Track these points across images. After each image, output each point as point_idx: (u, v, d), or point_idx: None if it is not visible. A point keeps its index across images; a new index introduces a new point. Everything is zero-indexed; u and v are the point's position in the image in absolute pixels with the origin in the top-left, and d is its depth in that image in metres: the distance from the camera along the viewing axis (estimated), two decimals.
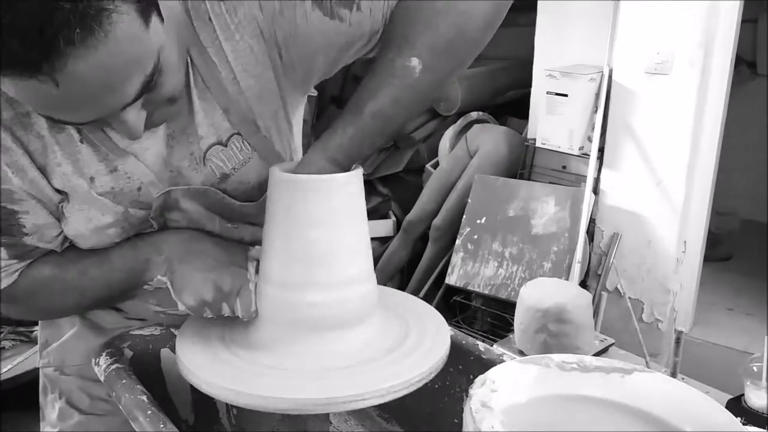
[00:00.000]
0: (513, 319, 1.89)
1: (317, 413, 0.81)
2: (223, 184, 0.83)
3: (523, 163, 2.70)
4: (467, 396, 0.62)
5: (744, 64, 3.42)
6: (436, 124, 3.43)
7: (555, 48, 2.56)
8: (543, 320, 1.74)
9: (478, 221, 2.62)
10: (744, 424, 1.40)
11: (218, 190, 0.83)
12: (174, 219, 0.84)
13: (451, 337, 0.81)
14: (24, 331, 2.47)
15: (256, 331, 0.77)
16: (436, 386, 0.92)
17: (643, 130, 2.37)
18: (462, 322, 2.69)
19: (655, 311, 2.47)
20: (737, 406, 1.66)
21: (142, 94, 0.64)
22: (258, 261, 0.80)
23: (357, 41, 0.81)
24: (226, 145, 0.81)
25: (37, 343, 1.04)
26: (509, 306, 2.35)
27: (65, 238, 0.81)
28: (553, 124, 2.50)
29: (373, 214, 3.16)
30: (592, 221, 2.49)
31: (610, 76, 2.38)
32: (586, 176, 2.41)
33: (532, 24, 2.62)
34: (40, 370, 1.02)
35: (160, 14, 0.64)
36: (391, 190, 3.28)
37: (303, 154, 0.77)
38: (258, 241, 0.81)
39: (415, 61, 0.73)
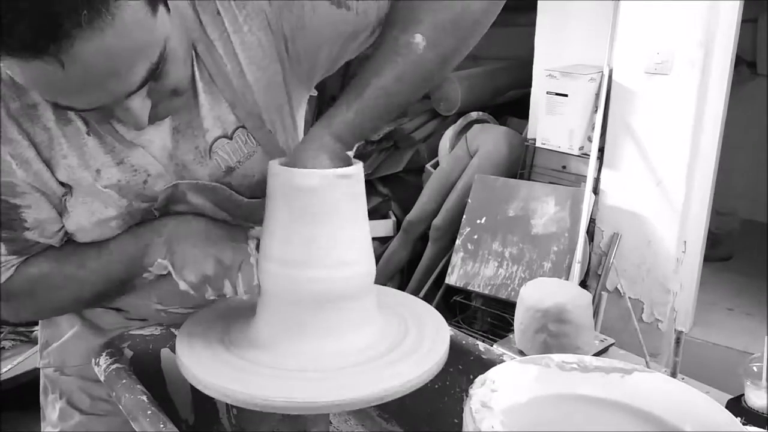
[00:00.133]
0: (513, 319, 1.89)
1: (317, 413, 0.81)
2: (228, 177, 0.83)
3: (523, 163, 2.70)
4: (467, 396, 0.62)
5: (744, 64, 3.42)
6: (436, 124, 3.43)
7: (555, 48, 2.56)
8: (543, 320, 1.74)
9: (478, 221, 2.62)
10: (744, 424, 1.40)
11: (224, 184, 0.83)
12: (180, 211, 0.84)
13: (451, 337, 0.80)
14: (24, 331, 2.47)
15: (256, 331, 0.77)
16: (436, 386, 0.92)
17: (643, 130, 2.37)
18: (462, 322, 2.69)
19: (655, 311, 2.47)
20: (737, 406, 1.66)
21: (147, 82, 0.64)
22: (258, 239, 0.80)
23: (362, 31, 0.81)
24: (231, 138, 0.81)
25: (37, 343, 1.04)
26: (509, 306, 2.35)
27: (65, 234, 0.81)
28: (553, 124, 2.50)
29: (373, 214, 3.16)
30: (592, 221, 2.49)
31: (610, 76, 2.38)
32: (586, 176, 2.41)
33: (532, 24, 2.62)
34: (41, 371, 1.02)
35: (167, 5, 0.64)
36: (391, 190, 3.28)
37: None
38: None
39: (419, 38, 0.74)
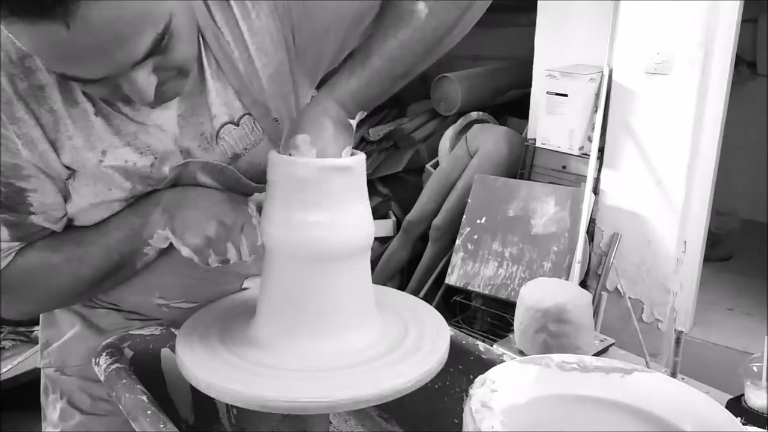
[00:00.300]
0: (513, 319, 1.89)
1: (317, 413, 0.81)
2: (234, 164, 0.83)
3: (523, 163, 2.70)
4: (467, 396, 0.62)
5: (744, 64, 3.42)
6: (436, 124, 3.44)
7: (555, 48, 2.56)
8: (543, 320, 1.74)
9: (478, 221, 2.62)
10: (744, 424, 1.40)
11: None
12: None
13: (451, 337, 0.81)
14: (24, 331, 2.47)
15: (256, 331, 0.77)
16: (436, 386, 0.92)
17: (643, 130, 2.37)
18: (462, 322, 2.69)
19: (655, 311, 2.47)
20: (737, 406, 1.66)
21: (152, 53, 0.64)
22: (259, 203, 0.80)
23: (368, 14, 0.82)
24: (238, 125, 0.82)
25: (37, 343, 1.04)
26: (509, 306, 2.35)
27: (68, 220, 0.81)
28: (553, 124, 2.50)
29: (373, 214, 3.15)
30: (592, 221, 2.49)
31: (610, 76, 2.38)
32: (586, 176, 2.41)
33: (532, 24, 2.62)
34: (41, 371, 1.02)
35: None
36: (391, 190, 3.28)
37: None
38: None
39: (421, 5, 0.75)
